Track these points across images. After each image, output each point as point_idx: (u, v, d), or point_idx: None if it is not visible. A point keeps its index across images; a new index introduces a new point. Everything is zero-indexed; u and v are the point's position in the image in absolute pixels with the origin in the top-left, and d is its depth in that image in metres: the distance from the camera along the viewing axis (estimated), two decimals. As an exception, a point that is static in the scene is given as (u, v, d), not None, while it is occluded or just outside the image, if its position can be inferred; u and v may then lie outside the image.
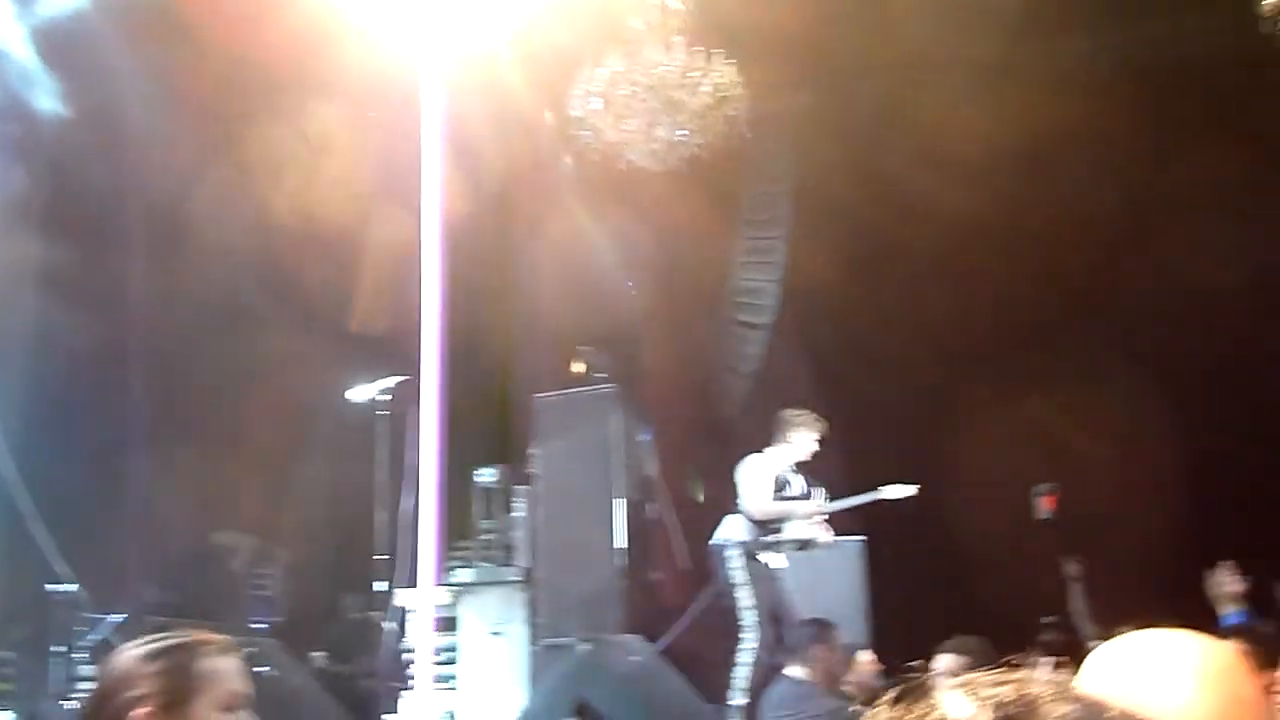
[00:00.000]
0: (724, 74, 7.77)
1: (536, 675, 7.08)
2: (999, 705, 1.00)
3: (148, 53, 8.04)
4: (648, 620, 7.72)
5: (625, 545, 7.43)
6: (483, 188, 8.37)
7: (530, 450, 7.70)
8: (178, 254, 8.31)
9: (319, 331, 8.44)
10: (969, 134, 7.66)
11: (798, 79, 8.72)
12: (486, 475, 7.78)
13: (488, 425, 7.84)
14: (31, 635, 7.72)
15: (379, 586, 5.98)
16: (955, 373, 8.50)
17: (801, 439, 6.90)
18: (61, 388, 8.38)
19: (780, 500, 6.82)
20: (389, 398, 6.13)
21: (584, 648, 5.36)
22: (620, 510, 7.46)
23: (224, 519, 9.19)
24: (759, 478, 6.85)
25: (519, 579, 7.52)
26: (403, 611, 7.37)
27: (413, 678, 7.46)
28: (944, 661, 4.98)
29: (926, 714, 1.01)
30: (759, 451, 6.91)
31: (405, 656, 7.47)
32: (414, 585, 6.97)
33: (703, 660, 7.72)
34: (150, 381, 8.88)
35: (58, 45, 7.72)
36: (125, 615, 8.14)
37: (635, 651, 5.81)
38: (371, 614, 8.62)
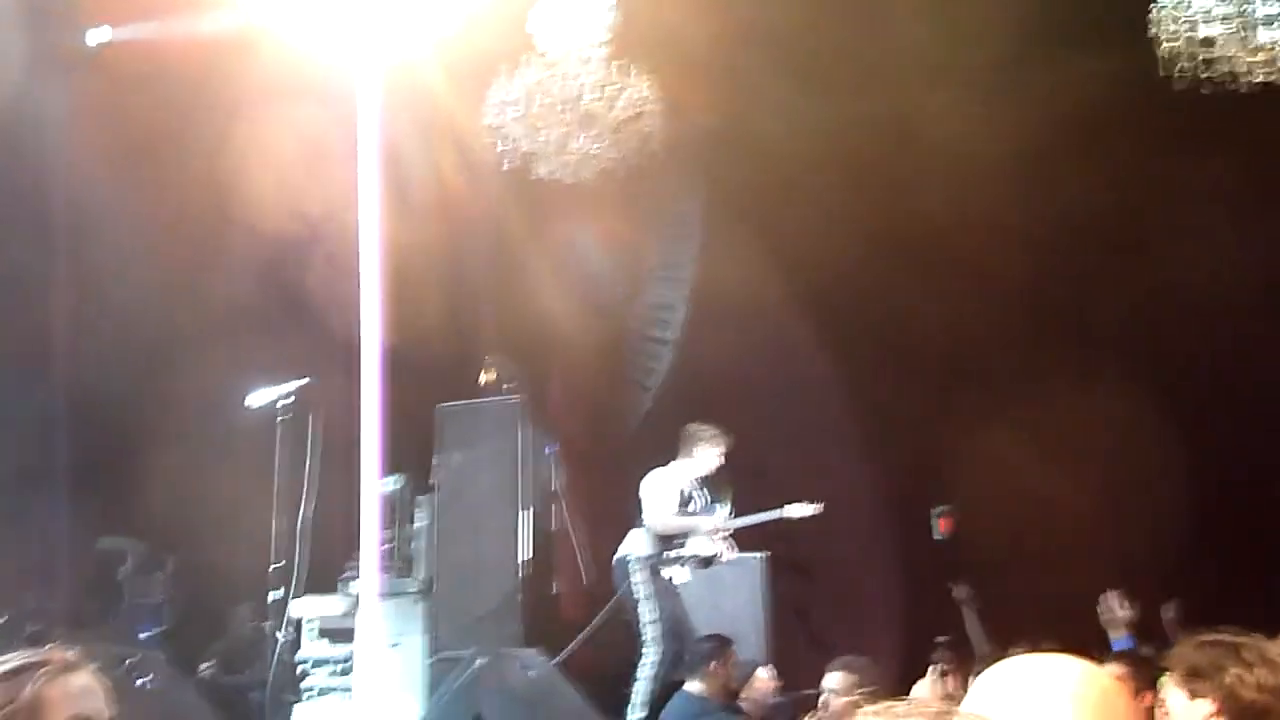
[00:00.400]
0: (641, 89, 7.80)
1: (433, 688, 6.97)
2: None
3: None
4: (549, 634, 7.65)
5: (528, 558, 7.36)
6: (403, 195, 8.26)
7: (433, 460, 7.59)
8: (82, 251, 8.06)
9: (222, 333, 8.23)
10: (889, 149, 7.79)
11: (715, 97, 8.78)
12: (387, 484, 7.63)
13: (391, 435, 7.69)
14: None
15: (274, 596, 5.79)
16: (862, 393, 8.62)
17: (705, 454, 6.92)
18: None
19: (683, 515, 6.83)
20: (290, 401, 5.97)
21: (480, 661, 5.28)
22: (524, 523, 7.40)
23: (111, 524, 8.88)
24: (662, 492, 6.85)
25: (418, 590, 7.40)
26: (297, 622, 7.20)
27: (306, 690, 7.33)
28: (833, 680, 5.04)
29: None
30: (663, 466, 6.91)
31: (299, 668, 7.31)
32: (307, 594, 6.86)
33: (603, 675, 7.69)
34: (39, 381, 8.57)
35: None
36: (3, 620, 7.83)
37: (532, 665, 5.74)
38: (264, 624, 8.44)
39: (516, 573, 7.24)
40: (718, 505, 7.03)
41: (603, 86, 7.55)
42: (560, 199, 8.27)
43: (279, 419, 5.86)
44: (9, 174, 7.85)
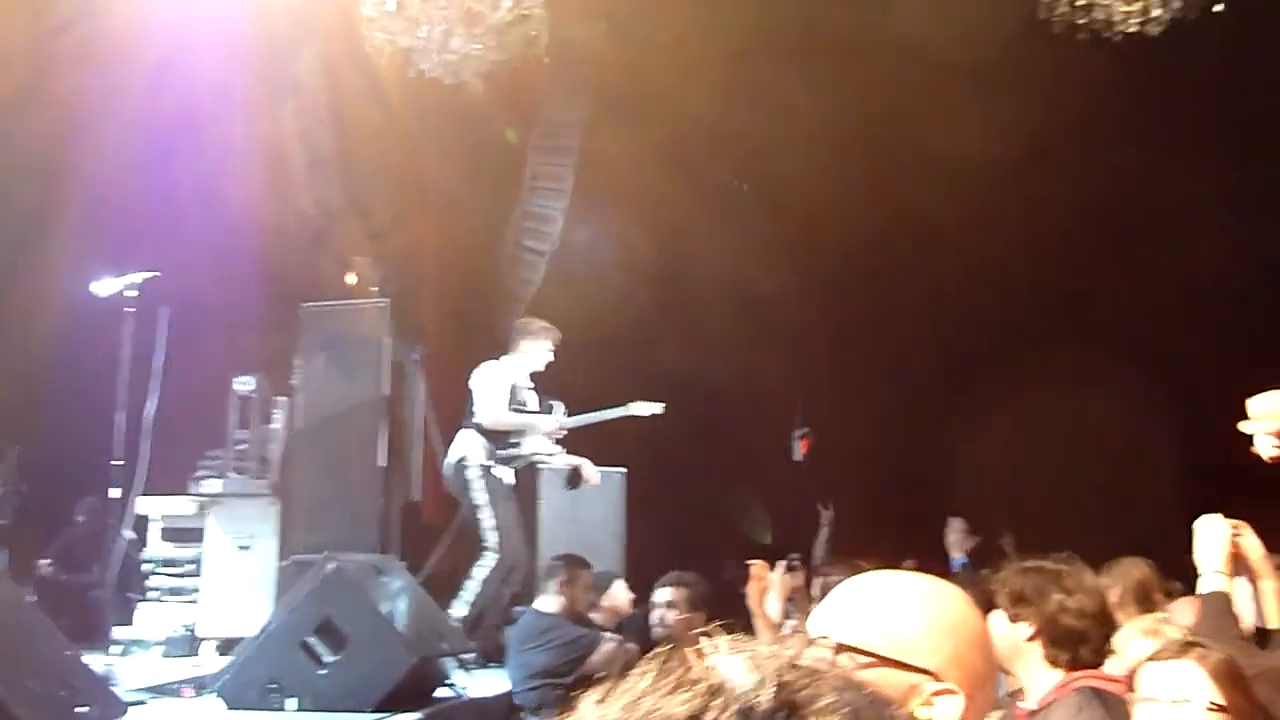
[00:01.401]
0: (526, -9, 7.54)
1: (283, 591, 6.83)
2: (781, 678, 0.90)
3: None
4: (406, 541, 7.58)
5: (386, 465, 7.23)
6: (274, 80, 7.86)
7: (294, 360, 7.34)
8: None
9: (68, 220, 7.76)
10: (777, 56, 7.73)
11: (601, 7, 8.55)
12: (244, 384, 7.38)
13: (250, 331, 7.42)
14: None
15: (115, 493, 5.56)
16: (723, 307, 8.66)
17: (536, 348, 6.66)
18: None
19: (516, 412, 6.59)
20: (136, 294, 5.68)
21: (332, 565, 5.16)
22: (384, 429, 7.24)
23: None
24: (493, 386, 6.55)
25: (271, 492, 7.22)
26: (143, 521, 6.97)
27: (151, 589, 7.13)
28: (663, 595, 5.13)
29: (699, 679, 0.90)
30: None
31: (145, 567, 7.09)
32: (155, 493, 6.63)
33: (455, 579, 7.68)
34: None
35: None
36: None
37: (386, 570, 5.65)
38: (106, 522, 8.14)
39: (375, 479, 7.09)
40: (552, 404, 6.77)
41: (488, -15, 7.28)
42: (439, 99, 8.00)
43: (125, 309, 5.57)
44: None
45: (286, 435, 7.35)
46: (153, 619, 7.02)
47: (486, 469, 6.42)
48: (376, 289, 7.52)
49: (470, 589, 6.31)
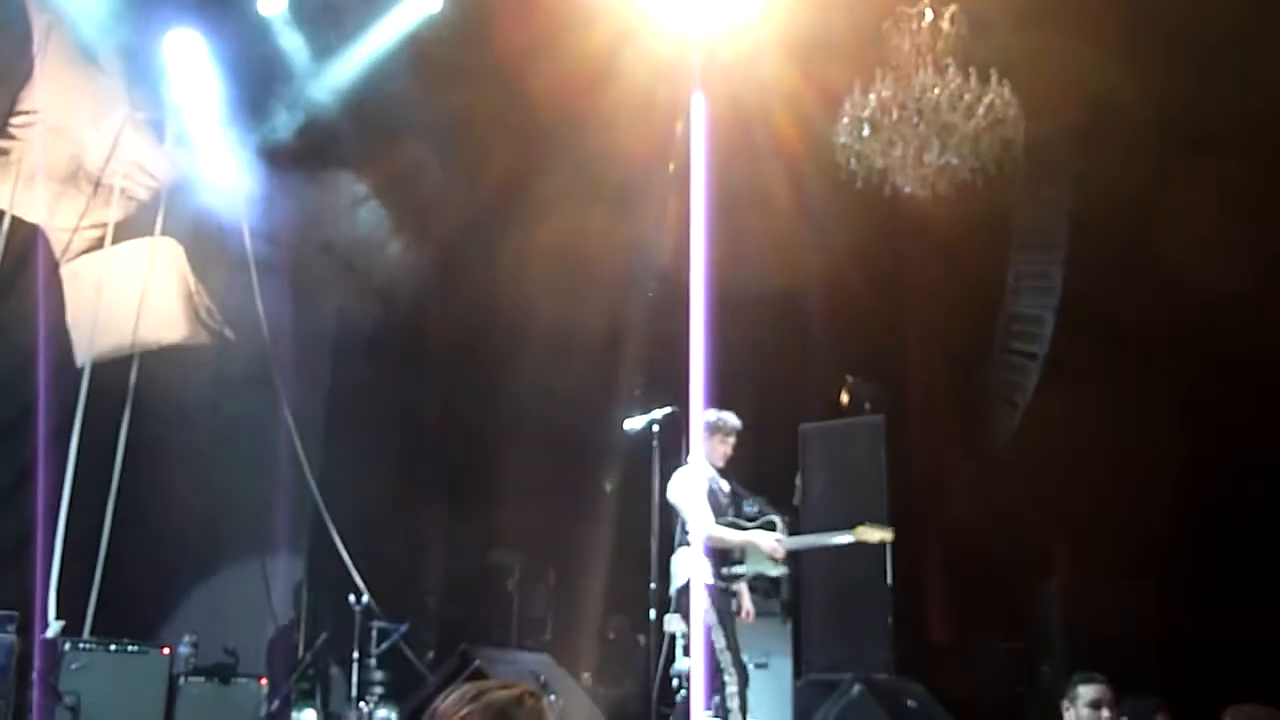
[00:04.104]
0: (999, 95, 7.45)
1: (801, 711, 6.93)
2: None
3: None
4: (917, 659, 7.43)
5: (894, 582, 7.16)
6: (746, 219, 8.36)
7: (796, 479, 7.57)
8: (460, 284, 8.74)
9: (598, 363, 8.65)
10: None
11: (1074, 98, 8.24)
12: (750, 505, 7.70)
13: (752, 456, 7.77)
14: (331, 641, 8.27)
15: (651, 614, 5.98)
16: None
17: (716, 444, 6.26)
18: (363, 423, 9.03)
19: (731, 525, 6.14)
20: (658, 428, 6.16)
21: (858, 687, 5.16)
22: (889, 546, 7.20)
23: (500, 539, 9.57)
24: (697, 497, 6.07)
25: (783, 611, 7.41)
26: (671, 637, 7.41)
27: (681, 703, 7.51)
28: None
29: None
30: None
31: (674, 682, 7.51)
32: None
33: (974, 703, 7.36)
34: (440, 408, 9.38)
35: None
36: (408, 625, 8.63)
37: (911, 694, 5.56)
38: (638, 637, 8.77)
39: (884, 596, 7.04)
40: (773, 520, 6.30)
41: (960, 95, 7.29)
42: (916, 214, 8.06)
43: (654, 444, 6.04)
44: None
45: (792, 555, 7.53)
46: (682, 734, 7.38)
47: (712, 590, 6.01)
48: (869, 406, 7.58)
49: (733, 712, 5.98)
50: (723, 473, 6.36)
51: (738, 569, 6.20)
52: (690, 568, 6.08)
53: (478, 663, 3.65)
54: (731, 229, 7.51)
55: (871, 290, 8.33)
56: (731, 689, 6.00)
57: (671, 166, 8.48)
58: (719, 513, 6.25)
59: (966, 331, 8.55)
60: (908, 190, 7.76)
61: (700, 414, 6.02)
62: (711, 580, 6.02)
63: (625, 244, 8.95)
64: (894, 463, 7.31)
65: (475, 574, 9.52)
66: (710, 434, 6.29)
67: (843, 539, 6.49)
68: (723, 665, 6.02)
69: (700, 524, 6.08)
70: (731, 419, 6.41)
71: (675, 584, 6.17)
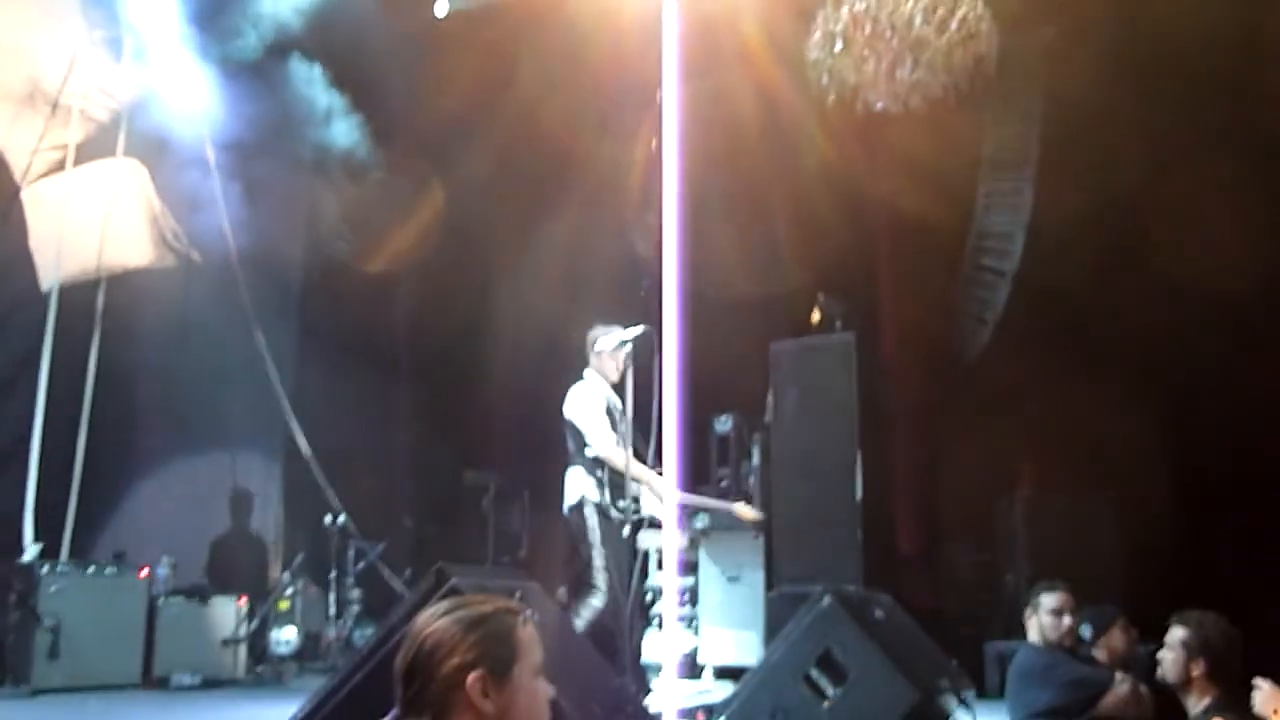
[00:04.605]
0: (971, 9, 7.38)
1: (772, 622, 7.08)
2: None
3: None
4: (886, 571, 7.59)
5: (862, 497, 7.28)
6: (718, 133, 8.30)
7: (767, 397, 7.63)
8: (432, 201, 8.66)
9: (567, 280, 8.64)
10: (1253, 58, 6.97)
11: (1049, 10, 8.17)
12: (723, 423, 7.78)
13: (724, 373, 7.82)
14: (308, 561, 8.36)
15: (625, 530, 6.04)
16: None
17: (609, 360, 6.12)
18: (334, 345, 9.02)
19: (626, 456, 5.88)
20: (630, 347, 6.15)
21: (828, 598, 5.25)
22: (858, 462, 7.30)
23: (474, 460, 9.62)
24: (596, 414, 5.99)
25: (754, 527, 7.51)
26: (644, 554, 7.53)
27: (656, 617, 7.68)
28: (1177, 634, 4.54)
29: None
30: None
31: (648, 596, 7.65)
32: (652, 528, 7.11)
33: (942, 612, 7.56)
34: (411, 329, 9.35)
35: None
36: (385, 544, 8.73)
37: (880, 604, 5.67)
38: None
39: (853, 510, 7.16)
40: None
41: (933, 9, 7.22)
42: (887, 129, 8.03)
43: (627, 363, 6.04)
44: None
45: (763, 472, 7.64)
46: (658, 644, 7.55)
47: (603, 510, 5.94)
48: (840, 323, 7.62)
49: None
50: (617, 388, 6.22)
51: (629, 507, 5.95)
52: (579, 486, 5.98)
53: (453, 580, 3.68)
54: (701, 146, 7.47)
55: (844, 208, 8.31)
56: (594, 604, 5.82)
57: (641, 85, 8.38)
58: (613, 430, 6.16)
59: (937, 249, 8.57)
60: (880, 106, 7.73)
61: (669, 332, 6.01)
62: (598, 499, 5.93)
63: (599, 160, 8.87)
64: (865, 380, 7.37)
65: (450, 495, 9.60)
66: (600, 349, 6.23)
67: (723, 507, 6.88)
68: (596, 583, 5.87)
69: (602, 443, 6.01)
70: (621, 331, 6.26)
71: (566, 502, 6.04)
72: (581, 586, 5.99)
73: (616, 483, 5.97)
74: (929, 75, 7.52)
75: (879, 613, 5.64)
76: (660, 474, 6.15)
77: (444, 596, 3.63)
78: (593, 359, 6.25)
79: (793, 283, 8.24)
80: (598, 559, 5.90)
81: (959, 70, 7.48)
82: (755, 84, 8.41)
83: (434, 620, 2.12)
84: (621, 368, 6.10)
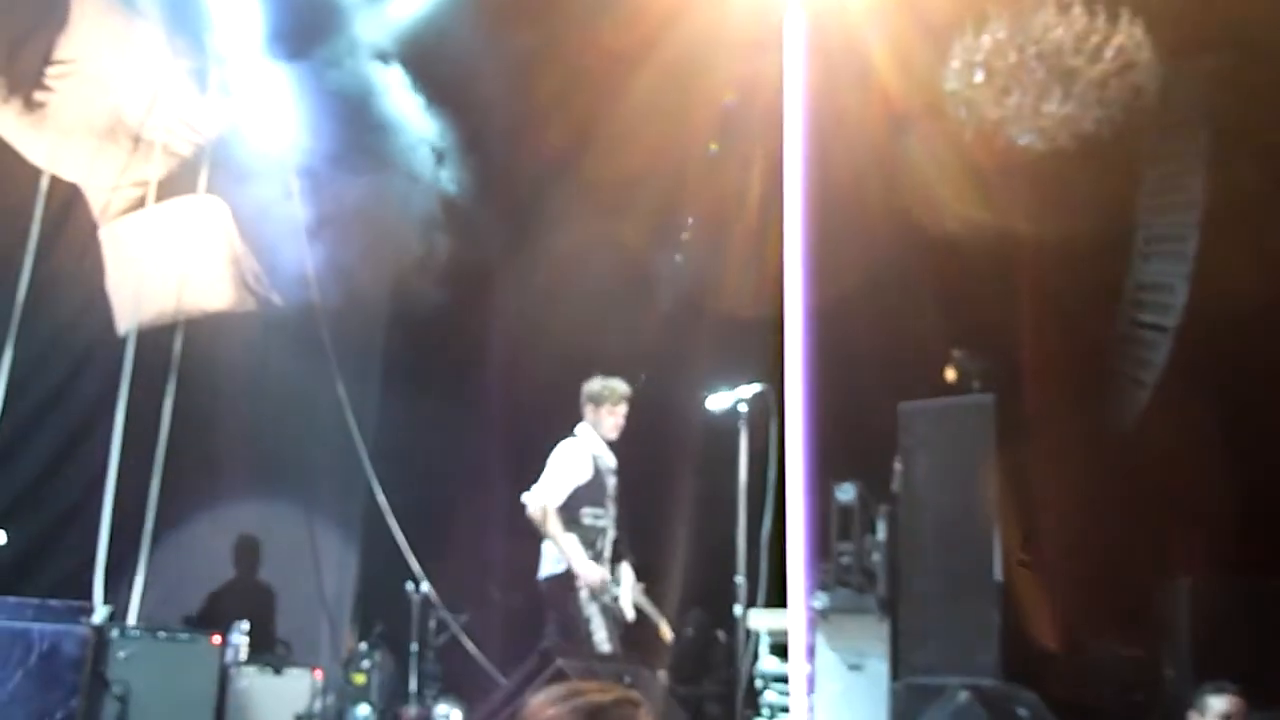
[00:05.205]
0: (1129, 36, 7.37)
1: (899, 716, 7.02)
2: None
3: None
4: (1026, 665, 7.47)
5: (1002, 580, 7.20)
6: (841, 168, 8.39)
7: (895, 464, 7.62)
8: (536, 253, 8.87)
9: (679, 336, 8.76)
10: None
11: (1216, 36, 8.10)
12: (844, 492, 7.78)
13: (846, 436, 7.84)
14: (388, 632, 8.54)
15: (737, 609, 6.09)
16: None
17: (599, 417, 6.38)
18: (421, 395, 9.25)
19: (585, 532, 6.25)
20: (745, 408, 6.23)
21: (964, 695, 5.24)
22: (997, 538, 7.24)
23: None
24: (558, 469, 6.31)
25: (878, 609, 7.48)
26: (755, 636, 7.54)
27: (763, 706, 7.68)
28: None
29: None
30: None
31: (755, 683, 7.66)
32: (770, 606, 7.13)
33: (1091, 713, 7.39)
34: (499, 390, 9.55)
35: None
36: (468, 616, 8.88)
37: (1023, 703, 5.63)
38: (716, 633, 8.92)
39: (991, 593, 7.08)
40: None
41: (1085, 36, 7.23)
42: (1033, 169, 8.01)
43: (739, 424, 6.13)
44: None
45: (890, 546, 7.61)
46: (771, 737, 7.54)
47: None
48: (978, 383, 7.60)
49: None
50: (614, 446, 6.40)
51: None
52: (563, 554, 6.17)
53: (558, 662, 3.79)
54: (825, 184, 7.55)
55: (982, 254, 8.29)
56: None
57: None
58: (602, 495, 6.33)
59: (1088, 301, 8.48)
60: (1024, 142, 7.73)
61: (793, 392, 6.09)
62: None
63: (713, 198, 9.02)
64: (1005, 446, 7.31)
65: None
66: (595, 404, 6.38)
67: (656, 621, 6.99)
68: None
69: (535, 496, 6.20)
70: (619, 385, 6.45)
71: (542, 570, 6.27)
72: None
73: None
74: (1080, 109, 7.54)
75: (1023, 712, 5.61)
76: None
77: (550, 679, 3.74)
78: (587, 413, 6.38)
79: (925, 336, 8.23)
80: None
81: (1114, 103, 7.48)
82: (885, 117, 8.47)
83: (548, 708, 2.20)
84: (620, 422, 6.26)
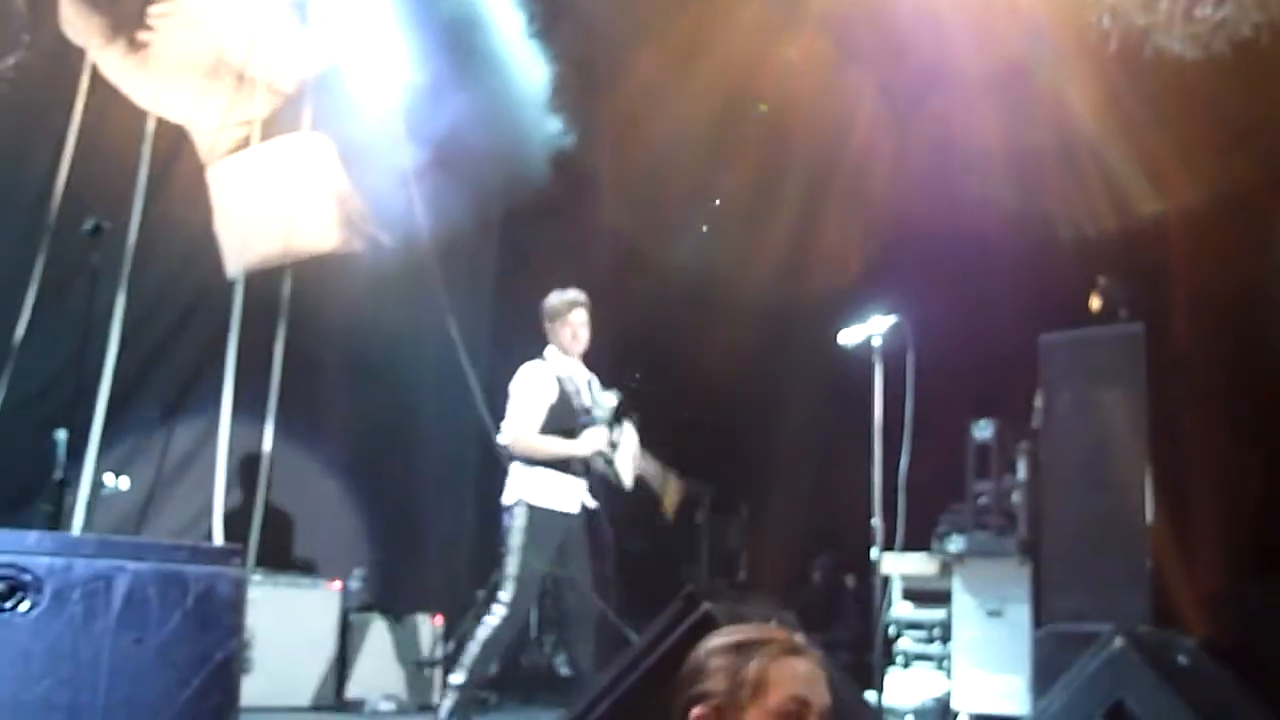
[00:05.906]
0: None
1: (1042, 665, 6.89)
2: None
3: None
4: (1181, 609, 7.27)
5: (1154, 519, 6.99)
6: (975, 89, 8.14)
7: (1035, 399, 7.42)
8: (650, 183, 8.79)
9: (788, 271, 8.63)
10: None
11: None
12: (982, 429, 7.60)
13: (984, 370, 7.65)
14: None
15: (872, 553, 5.99)
16: None
17: (561, 330, 6.21)
18: (533, 334, 9.29)
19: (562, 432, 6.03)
20: (879, 342, 6.07)
21: (1120, 641, 5.07)
22: (1147, 478, 7.02)
23: (687, 466, 9.69)
24: (525, 395, 6.09)
25: (1019, 551, 7.33)
26: (886, 580, 7.45)
27: (896, 653, 7.59)
28: None
29: None
30: None
31: (889, 631, 7.57)
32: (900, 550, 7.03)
33: (1256, 659, 7.16)
34: (616, 316, 9.48)
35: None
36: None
37: (1180, 649, 5.44)
38: (845, 578, 8.85)
39: (1142, 535, 6.88)
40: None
41: (1248, -68, 6.87)
42: (1183, 80, 7.66)
43: (873, 359, 5.98)
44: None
45: (1031, 486, 7.43)
46: (903, 686, 7.46)
47: (534, 508, 5.90)
48: (1125, 311, 7.34)
49: (470, 652, 5.80)
50: (586, 360, 6.26)
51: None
52: (524, 484, 6.01)
53: (704, 606, 3.74)
54: (961, 98, 7.32)
55: (1129, 174, 7.99)
56: (492, 620, 5.84)
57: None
58: (575, 415, 6.15)
59: (1246, 224, 8.12)
60: (1175, 52, 7.41)
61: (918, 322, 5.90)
62: (536, 500, 5.96)
63: (830, 120, 8.83)
64: (1155, 379, 7.07)
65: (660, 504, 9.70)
66: (550, 320, 6.23)
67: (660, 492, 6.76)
68: (499, 593, 5.90)
69: (507, 428, 6.04)
70: (571, 294, 6.27)
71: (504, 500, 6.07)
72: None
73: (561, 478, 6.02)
74: (1238, 12, 7.21)
75: (1182, 659, 5.43)
76: None
77: (695, 624, 3.69)
78: (548, 332, 6.23)
79: (1066, 263, 7.98)
80: (509, 566, 5.90)
81: (1276, 5, 7.13)
82: (1020, 25, 8.17)
83: (704, 643, 2.18)
84: (583, 339, 6.14)
